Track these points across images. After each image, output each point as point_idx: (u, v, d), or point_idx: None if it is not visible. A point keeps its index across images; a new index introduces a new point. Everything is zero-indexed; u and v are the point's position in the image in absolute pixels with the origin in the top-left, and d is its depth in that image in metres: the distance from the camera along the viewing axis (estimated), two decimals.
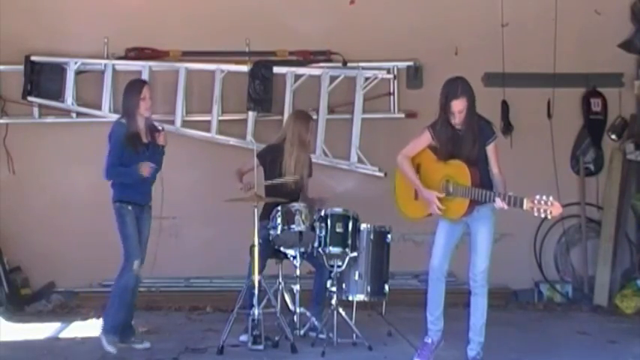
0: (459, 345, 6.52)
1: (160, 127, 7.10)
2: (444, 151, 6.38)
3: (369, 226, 7.25)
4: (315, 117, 8.93)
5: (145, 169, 6.85)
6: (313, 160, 8.43)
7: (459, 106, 6.27)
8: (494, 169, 6.40)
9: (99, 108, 9.04)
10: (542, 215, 6.01)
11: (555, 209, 5.99)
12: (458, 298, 7.19)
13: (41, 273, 9.03)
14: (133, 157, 6.89)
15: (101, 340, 6.85)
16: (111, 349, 6.84)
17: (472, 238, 6.43)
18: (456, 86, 6.30)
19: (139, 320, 7.40)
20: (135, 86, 7.11)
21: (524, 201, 6.00)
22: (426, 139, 6.44)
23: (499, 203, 6.12)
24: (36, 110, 9.09)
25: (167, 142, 7.10)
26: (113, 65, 9.03)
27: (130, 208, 6.95)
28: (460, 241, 6.48)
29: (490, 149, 6.40)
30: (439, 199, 6.30)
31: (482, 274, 6.39)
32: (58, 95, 9.04)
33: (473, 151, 6.33)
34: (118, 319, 6.95)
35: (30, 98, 9.01)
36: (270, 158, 7.53)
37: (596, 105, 9.38)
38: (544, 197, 5.95)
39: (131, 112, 6.96)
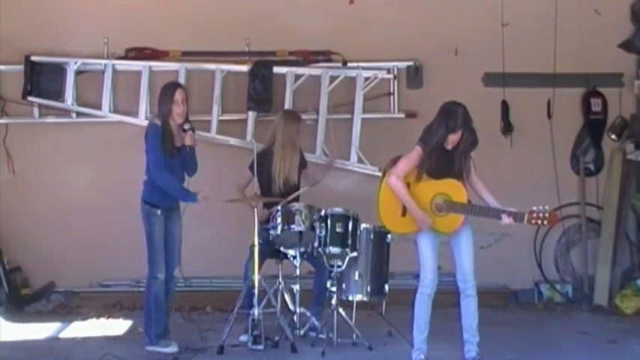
0: (459, 345, 6.52)
1: (186, 127, 6.95)
2: (435, 170, 6.36)
3: (369, 226, 7.26)
4: (315, 117, 8.95)
5: (204, 196, 6.81)
6: (313, 160, 8.45)
7: (455, 138, 6.31)
8: (474, 177, 6.47)
9: (99, 108, 9.02)
10: (541, 224, 6.24)
11: (552, 218, 6.20)
12: (458, 298, 7.17)
13: (41, 273, 9.01)
14: (166, 161, 6.84)
15: (155, 351, 6.89)
16: (171, 349, 6.89)
17: (455, 240, 6.43)
18: (455, 119, 6.27)
19: (138, 320, 7.41)
20: (168, 89, 6.99)
21: (525, 216, 6.17)
22: (417, 156, 6.37)
23: (505, 220, 6.23)
24: (36, 110, 9.07)
25: (195, 142, 7.02)
26: (113, 65, 9.01)
27: (159, 213, 6.90)
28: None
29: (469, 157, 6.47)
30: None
31: (472, 273, 6.42)
32: (58, 95, 9.02)
33: (462, 165, 6.39)
34: (160, 328, 6.99)
35: (30, 98, 8.98)
36: (259, 166, 7.44)
37: (596, 105, 9.36)
38: (541, 208, 6.16)
39: (164, 115, 6.89)
